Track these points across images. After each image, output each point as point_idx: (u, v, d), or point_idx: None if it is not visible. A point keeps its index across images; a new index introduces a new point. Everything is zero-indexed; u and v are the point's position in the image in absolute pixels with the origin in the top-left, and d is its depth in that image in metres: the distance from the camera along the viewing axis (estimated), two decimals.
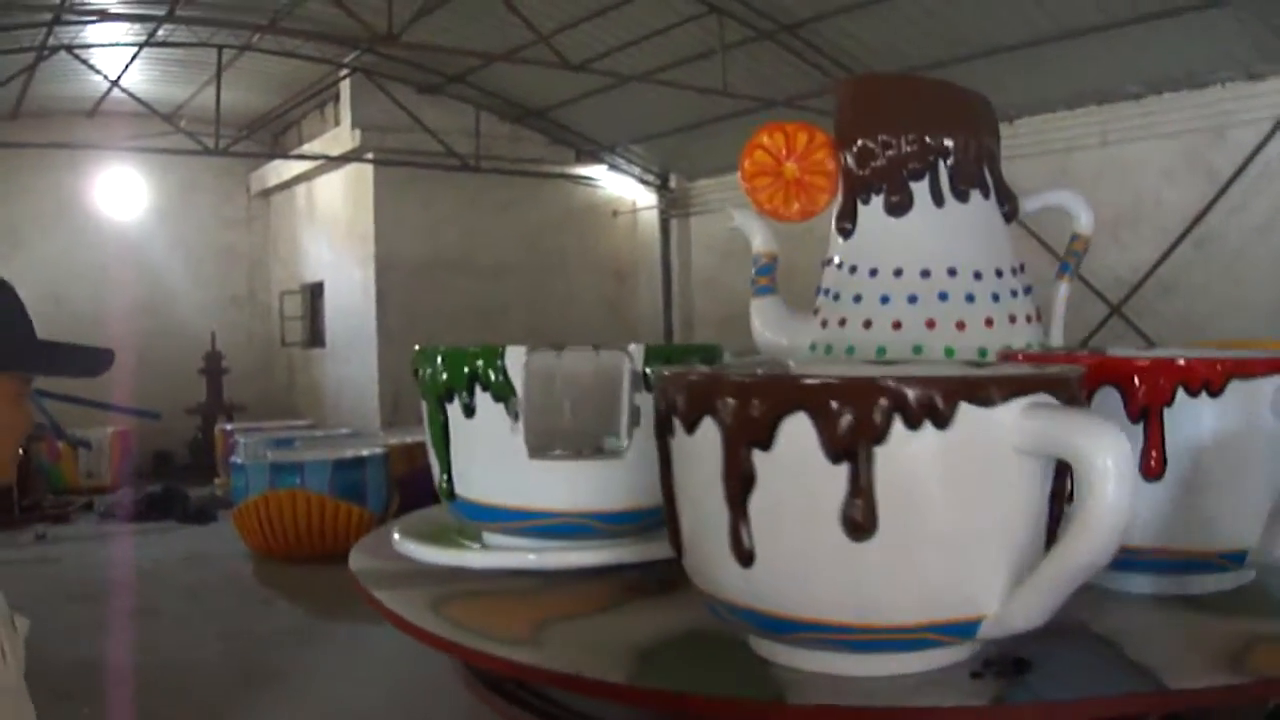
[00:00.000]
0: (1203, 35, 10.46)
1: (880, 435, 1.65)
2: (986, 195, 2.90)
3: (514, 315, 16.31)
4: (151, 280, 17.59)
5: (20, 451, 2.02)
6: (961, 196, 2.86)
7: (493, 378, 2.56)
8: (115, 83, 14.60)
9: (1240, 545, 2.17)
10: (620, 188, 17.97)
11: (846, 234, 2.97)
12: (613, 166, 17.63)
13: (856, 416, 1.67)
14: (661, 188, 17.73)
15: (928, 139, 2.85)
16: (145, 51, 14.15)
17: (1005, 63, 11.24)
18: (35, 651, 1.86)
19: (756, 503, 1.76)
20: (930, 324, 2.79)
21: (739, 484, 1.76)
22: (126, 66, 14.46)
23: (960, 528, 1.73)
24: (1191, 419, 2.11)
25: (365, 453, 10.76)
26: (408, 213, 16.01)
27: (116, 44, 13.91)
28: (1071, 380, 1.80)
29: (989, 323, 2.78)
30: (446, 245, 16.24)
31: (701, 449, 1.82)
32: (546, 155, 17.18)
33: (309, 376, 18.58)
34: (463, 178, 16.05)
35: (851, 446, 1.67)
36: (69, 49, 13.58)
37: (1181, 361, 2.17)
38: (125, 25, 13.52)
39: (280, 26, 12.41)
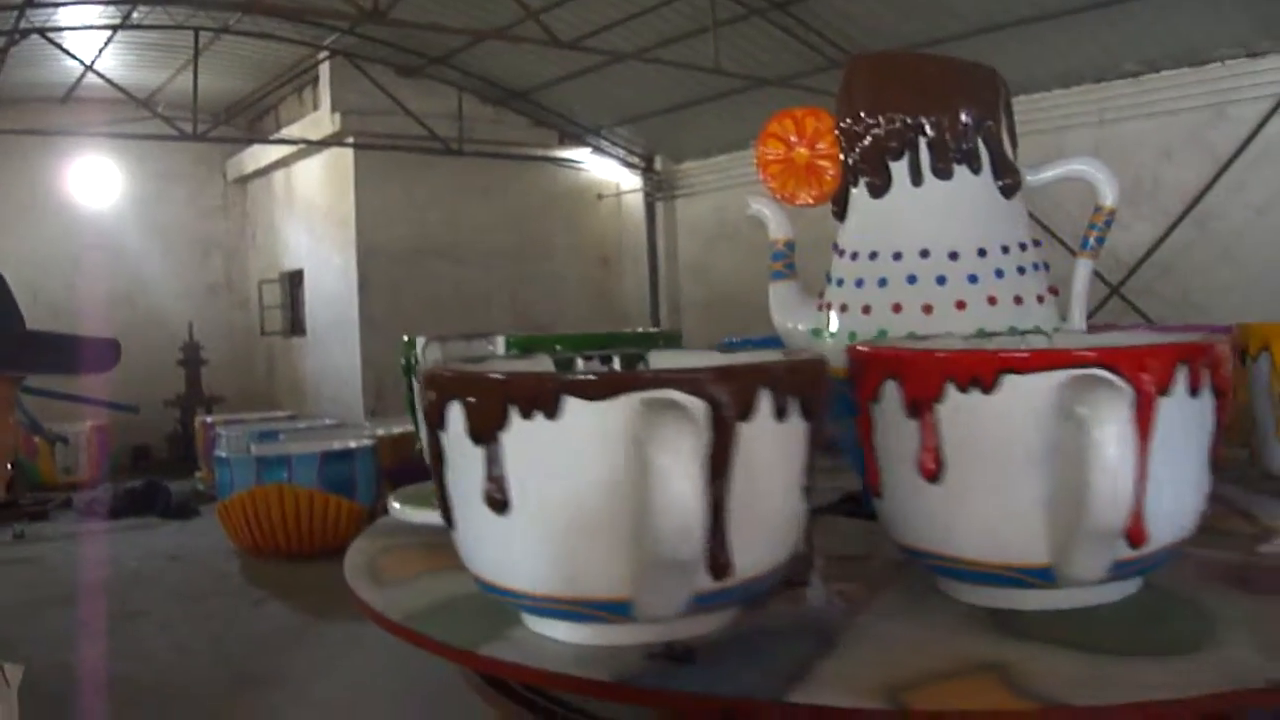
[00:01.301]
0: (1203, 12, 10.33)
1: (502, 423, 1.88)
2: (977, 171, 2.84)
3: (498, 301, 16.20)
4: (127, 270, 17.35)
5: (10, 467, 1.74)
6: (943, 174, 2.84)
7: (414, 362, 2.97)
8: (90, 67, 14.30)
9: (1039, 561, 2.00)
10: (604, 170, 17.80)
11: (840, 217, 2.99)
12: (596, 149, 17.44)
13: (485, 406, 1.92)
14: (647, 170, 17.56)
15: (905, 117, 2.81)
16: (120, 35, 13.87)
17: (1001, 40, 11.09)
18: (20, 658, 1.66)
19: (447, 476, 2.03)
20: (896, 308, 2.75)
21: (436, 459, 2.05)
22: (101, 51, 14.15)
23: (581, 512, 1.86)
24: (966, 417, 1.98)
25: (354, 444, 10.54)
26: (389, 198, 15.82)
27: (90, 27, 13.60)
28: (704, 380, 1.86)
29: (960, 305, 2.70)
30: (429, 230, 16.07)
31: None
32: (529, 138, 17.01)
33: (289, 366, 18.35)
34: (445, 162, 15.86)
35: (484, 432, 1.92)
36: (42, 32, 13.28)
37: (947, 354, 2.06)
38: (99, 8, 13.24)
39: (261, 4, 12.11)
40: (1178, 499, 2.01)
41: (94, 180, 17.35)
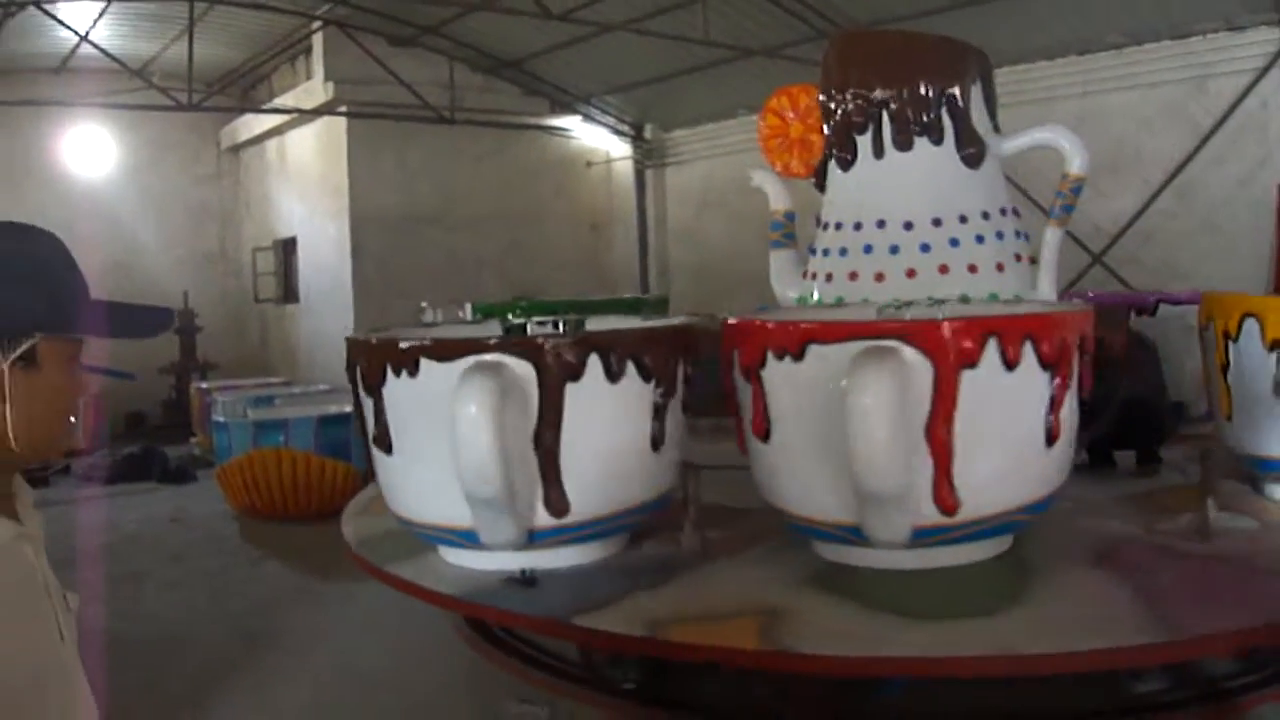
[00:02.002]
0: None
1: (382, 379, 2.30)
2: (939, 142, 2.92)
3: (490, 268, 16.26)
4: (122, 239, 17.29)
5: (72, 420, 1.85)
6: (904, 146, 2.94)
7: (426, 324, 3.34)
8: (84, 37, 14.29)
9: (851, 520, 2.12)
10: (594, 139, 17.86)
11: (821, 190, 3.16)
12: (587, 117, 17.49)
13: (370, 365, 2.35)
14: (636, 138, 17.64)
15: (868, 93, 2.95)
16: (115, 6, 13.87)
17: (988, 13, 11.15)
18: None
19: (364, 425, 2.43)
20: (853, 276, 2.93)
21: (358, 408, 2.46)
22: (96, 21, 14.14)
23: (434, 452, 2.17)
24: (782, 383, 2.18)
25: (350, 408, 10.60)
26: (382, 166, 15.89)
27: None
28: (530, 346, 2.20)
29: (910, 274, 2.83)
30: (421, 198, 16.14)
31: None
32: (520, 107, 17.04)
33: (282, 333, 18.43)
34: (437, 130, 15.90)
35: (371, 386, 2.34)
36: (37, 4, 13.30)
37: (765, 325, 2.24)
38: None
39: None
40: (1002, 470, 2.09)
41: (88, 149, 17.35)
